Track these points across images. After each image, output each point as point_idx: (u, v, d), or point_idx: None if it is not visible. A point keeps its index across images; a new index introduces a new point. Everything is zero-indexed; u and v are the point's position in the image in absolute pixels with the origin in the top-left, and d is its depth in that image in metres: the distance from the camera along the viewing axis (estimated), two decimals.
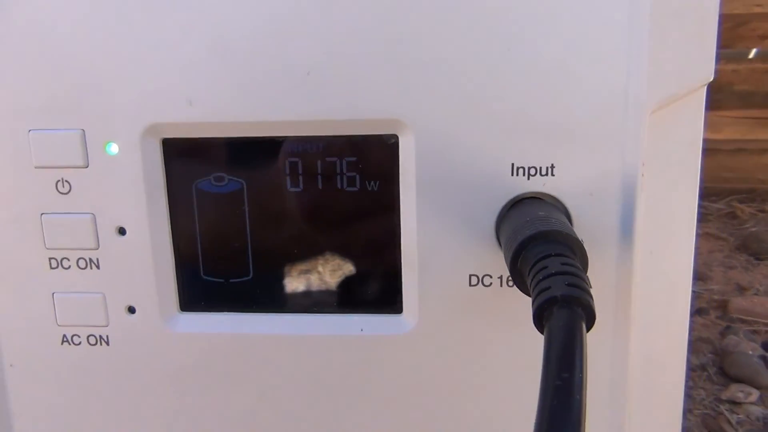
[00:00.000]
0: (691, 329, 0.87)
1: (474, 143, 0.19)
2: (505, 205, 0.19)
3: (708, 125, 0.99)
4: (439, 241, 0.20)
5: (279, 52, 0.19)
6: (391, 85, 0.19)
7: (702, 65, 0.19)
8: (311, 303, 0.22)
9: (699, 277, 1.03)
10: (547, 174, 0.19)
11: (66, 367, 0.22)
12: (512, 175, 0.19)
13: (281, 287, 0.21)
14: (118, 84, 0.20)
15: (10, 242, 0.21)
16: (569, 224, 0.18)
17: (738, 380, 0.78)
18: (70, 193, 0.21)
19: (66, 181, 0.20)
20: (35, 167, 0.20)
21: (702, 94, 0.19)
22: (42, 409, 0.22)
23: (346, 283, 0.21)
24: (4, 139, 0.20)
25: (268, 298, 0.21)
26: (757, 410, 0.73)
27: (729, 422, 0.71)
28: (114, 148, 0.20)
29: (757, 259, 1.08)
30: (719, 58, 1.07)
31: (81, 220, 0.21)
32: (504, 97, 0.19)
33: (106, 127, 0.20)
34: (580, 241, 0.16)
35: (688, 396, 0.77)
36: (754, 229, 1.17)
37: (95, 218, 0.21)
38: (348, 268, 0.21)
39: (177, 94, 0.19)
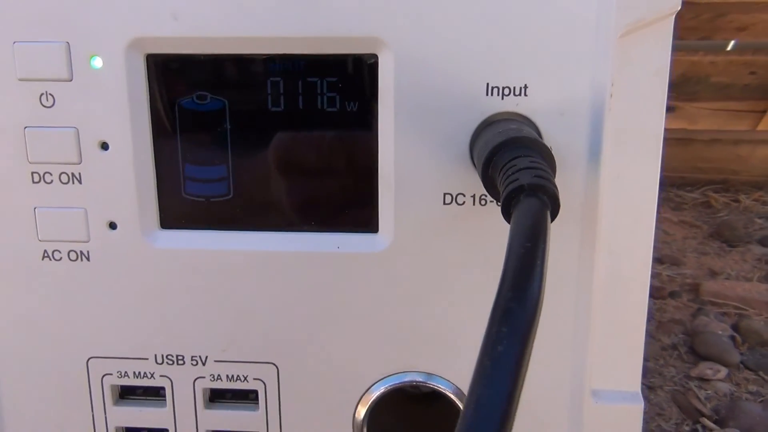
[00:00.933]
0: (664, 311, 0.88)
1: (451, 64, 0.20)
2: (480, 125, 0.20)
3: (685, 116, 1.02)
4: (415, 160, 0.21)
5: None
6: (372, 2, 0.19)
7: None
8: (289, 222, 0.22)
9: (673, 262, 1.06)
10: (520, 94, 0.20)
11: (47, 282, 0.22)
12: (487, 95, 0.20)
13: (260, 206, 0.22)
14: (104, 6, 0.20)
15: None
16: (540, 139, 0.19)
17: (707, 358, 0.80)
18: (53, 107, 0.21)
19: (50, 94, 0.21)
20: (19, 79, 0.21)
21: (670, 23, 0.20)
22: (23, 324, 0.22)
23: (324, 202, 0.22)
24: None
25: (247, 216, 0.22)
26: (724, 386, 0.75)
27: (698, 398, 0.72)
28: (98, 62, 0.21)
29: (730, 246, 1.11)
30: (697, 50, 1.08)
31: (64, 134, 0.21)
32: (480, 19, 0.19)
33: (91, 40, 0.20)
34: (548, 148, 0.17)
35: (659, 373, 0.79)
36: (727, 218, 1.20)
37: (78, 132, 0.21)
38: (326, 188, 0.22)
39: (162, 9, 0.20)
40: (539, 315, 0.13)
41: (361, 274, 0.21)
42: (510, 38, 0.19)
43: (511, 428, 0.11)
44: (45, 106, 0.21)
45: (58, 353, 0.23)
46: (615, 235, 0.21)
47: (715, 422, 0.68)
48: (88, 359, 0.23)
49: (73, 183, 0.21)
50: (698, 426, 0.68)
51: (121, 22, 0.20)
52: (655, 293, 0.96)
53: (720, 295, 0.93)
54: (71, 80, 0.21)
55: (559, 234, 0.19)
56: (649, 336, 0.85)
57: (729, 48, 1.25)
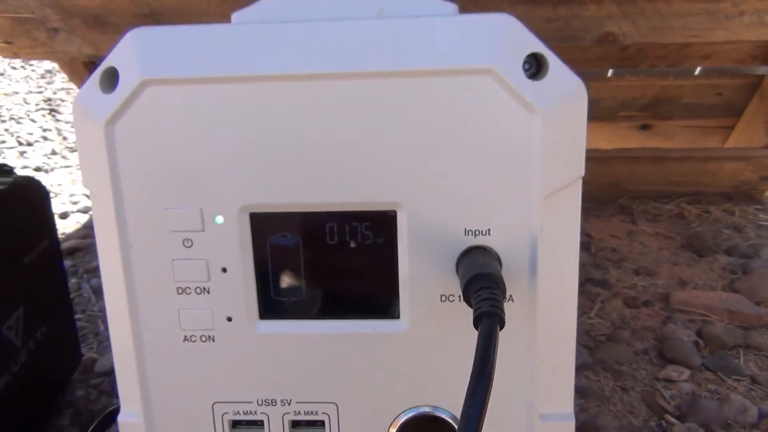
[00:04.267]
0: (638, 319, 1.00)
1: (442, 217, 0.32)
2: (462, 252, 0.32)
3: (659, 133, 1.16)
4: (422, 273, 0.33)
5: (325, 161, 0.31)
6: (395, 183, 0.31)
7: (577, 165, 0.32)
8: (342, 311, 0.34)
9: (648, 273, 1.16)
10: (486, 234, 0.32)
11: (187, 356, 0.34)
12: (465, 235, 0.32)
13: (323, 303, 0.34)
14: (223, 181, 0.32)
15: (155, 277, 0.33)
16: (498, 266, 0.31)
17: (673, 362, 0.91)
18: (191, 247, 0.33)
19: (189, 239, 0.33)
20: (171, 231, 0.33)
21: (579, 184, 0.32)
22: (171, 385, 0.34)
23: (363, 299, 0.34)
24: (151, 214, 0.32)
25: (314, 310, 0.34)
26: (687, 386, 0.86)
27: (663, 397, 0.84)
28: (220, 219, 0.33)
29: (699, 256, 1.21)
30: (668, 75, 1.21)
31: (198, 264, 0.33)
32: (460, 194, 0.31)
33: (216, 206, 0.32)
34: (502, 278, 0.29)
35: (632, 376, 0.90)
36: (698, 229, 1.30)
37: (207, 262, 0.33)
38: (364, 290, 0.34)
39: (258, 188, 0.32)
40: (492, 382, 0.25)
41: (389, 348, 0.33)
42: (479, 203, 0.31)
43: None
44: (186, 247, 0.33)
45: (194, 400, 0.35)
46: (547, 318, 0.33)
47: (677, 418, 0.80)
48: (213, 403, 0.35)
49: (204, 294, 0.33)
50: (662, 422, 0.79)
51: (235, 196, 0.32)
52: (631, 303, 1.07)
53: (687, 303, 1.04)
54: (203, 230, 0.33)
55: (514, 318, 0.31)
56: (625, 342, 0.96)
57: (696, 73, 1.36)
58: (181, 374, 0.35)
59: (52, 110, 2.99)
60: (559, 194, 0.31)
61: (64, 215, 1.56)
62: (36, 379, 0.75)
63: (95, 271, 1.28)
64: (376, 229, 0.33)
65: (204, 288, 0.33)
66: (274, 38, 0.30)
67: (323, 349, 0.34)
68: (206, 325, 0.34)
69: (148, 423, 0.35)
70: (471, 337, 0.28)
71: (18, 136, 2.47)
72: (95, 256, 1.33)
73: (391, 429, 0.35)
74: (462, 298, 0.31)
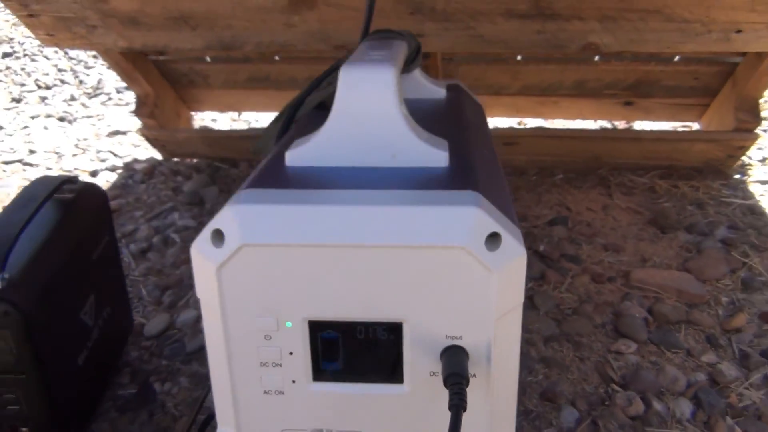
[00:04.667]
0: (601, 294, 1.20)
1: (432, 327, 0.49)
2: (443, 349, 0.50)
3: (640, 109, 1.38)
4: (419, 359, 0.51)
5: (356, 295, 0.49)
6: (402, 308, 0.49)
7: (517, 297, 0.49)
8: (365, 378, 0.52)
9: (615, 249, 1.33)
10: (459, 338, 0.50)
11: (265, 404, 0.53)
12: (445, 338, 0.50)
13: (350, 371, 0.52)
14: (292, 303, 0.49)
15: (246, 356, 0.51)
16: (466, 359, 0.49)
17: (625, 336, 1.10)
18: (270, 339, 0.51)
19: (269, 335, 0.51)
20: (257, 329, 0.51)
21: (520, 308, 0.49)
22: (254, 419, 0.53)
23: (381, 370, 0.52)
24: (245, 319, 0.50)
25: (346, 376, 0.52)
26: (633, 358, 1.05)
27: (612, 368, 1.04)
28: (289, 323, 0.50)
29: (663, 232, 1.38)
30: (649, 61, 1.37)
31: (274, 349, 0.51)
32: (443, 315, 0.49)
33: (287, 316, 0.50)
34: (468, 374, 0.47)
35: (589, 347, 1.09)
36: (666, 204, 1.46)
37: (281, 349, 0.51)
38: (381, 365, 0.52)
39: (313, 306, 0.49)
40: None
41: (394, 407, 0.52)
42: (455, 320, 0.49)
43: None
44: (266, 339, 0.51)
45: (269, 428, 0.54)
46: (497, 382, 0.51)
47: (621, 386, 1.00)
48: (282, 430, 0.54)
49: (278, 366, 0.51)
50: (609, 389, 1.00)
51: (299, 311, 0.50)
52: (597, 279, 1.25)
53: (644, 281, 1.22)
54: (278, 330, 0.50)
55: (476, 387, 0.50)
56: (587, 317, 1.15)
57: (676, 59, 1.47)
58: (261, 413, 0.54)
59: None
60: (507, 315, 0.49)
61: (93, 173, 1.72)
62: (104, 350, 0.95)
63: (132, 235, 1.45)
64: (390, 332, 0.50)
65: (277, 363, 0.52)
66: (324, 218, 0.47)
67: (354, 400, 0.53)
68: (278, 385, 0.52)
69: None
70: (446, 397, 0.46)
71: (36, 79, 2.57)
72: (131, 219, 1.50)
73: None
74: (443, 383, 0.49)
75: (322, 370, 0.51)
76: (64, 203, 0.86)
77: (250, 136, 1.61)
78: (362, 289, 0.47)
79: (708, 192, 1.49)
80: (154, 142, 1.62)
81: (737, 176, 1.58)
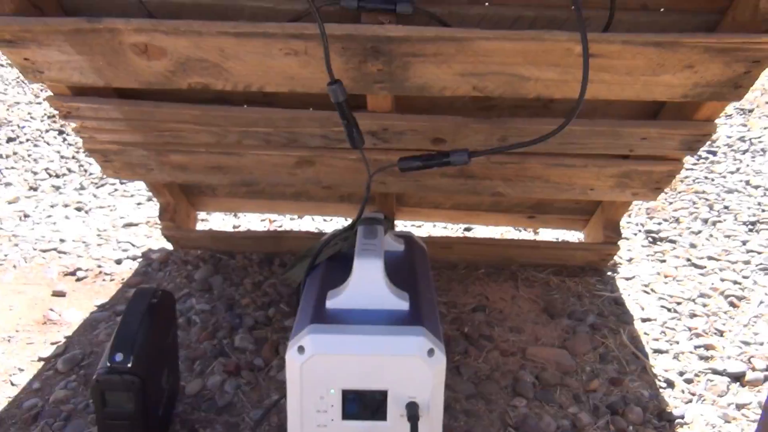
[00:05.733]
0: (507, 365, 1.75)
1: (401, 392, 0.98)
2: (407, 403, 0.99)
3: (541, 222, 2.03)
4: (395, 407, 0.99)
5: None
6: (387, 383, 0.98)
7: (441, 378, 0.99)
8: (368, 417, 1.00)
9: (518, 331, 1.84)
10: (415, 398, 0.99)
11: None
12: (408, 397, 0.99)
13: (365, 415, 1.00)
14: (333, 379, 0.98)
15: (310, 419, 0.99)
16: (417, 409, 0.98)
17: (519, 395, 1.61)
18: (323, 399, 0.99)
19: (322, 395, 0.99)
20: (320, 397, 0.98)
21: (442, 386, 0.98)
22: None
23: (376, 414, 1.00)
24: (311, 397, 0.98)
25: (362, 416, 1.00)
26: (524, 410, 1.55)
27: (510, 417, 1.54)
28: (333, 391, 0.99)
29: (551, 318, 1.91)
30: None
31: (324, 415, 0.99)
32: (410, 390, 0.98)
33: (332, 387, 0.98)
34: (419, 414, 0.96)
35: (496, 403, 1.59)
36: (556, 296, 2.00)
37: (327, 412, 0.99)
38: (376, 411, 1.00)
39: (344, 382, 0.98)
40: None
41: None
42: (413, 390, 0.98)
43: None
44: (320, 399, 0.99)
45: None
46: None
47: (515, 430, 1.50)
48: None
49: (324, 412, 0.99)
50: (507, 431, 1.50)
51: (337, 384, 0.98)
52: (504, 353, 1.76)
53: (535, 356, 1.73)
54: (327, 394, 0.99)
55: (422, 427, 0.99)
56: (496, 381, 1.66)
57: None
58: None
59: (60, 131, 3.42)
60: (436, 386, 0.99)
61: (118, 261, 2.15)
62: (169, 405, 1.42)
63: None
64: (381, 394, 1.00)
65: (325, 410, 1.00)
66: (350, 341, 0.97)
67: (363, 430, 1.01)
68: (324, 422, 1.00)
69: None
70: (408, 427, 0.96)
71: (46, 168, 2.97)
72: None
73: None
74: (407, 419, 0.98)
75: (347, 413, 0.99)
76: (155, 306, 1.33)
77: (248, 236, 2.10)
78: (369, 373, 0.97)
79: (586, 286, 2.04)
80: (170, 238, 2.08)
81: (609, 273, 2.15)
